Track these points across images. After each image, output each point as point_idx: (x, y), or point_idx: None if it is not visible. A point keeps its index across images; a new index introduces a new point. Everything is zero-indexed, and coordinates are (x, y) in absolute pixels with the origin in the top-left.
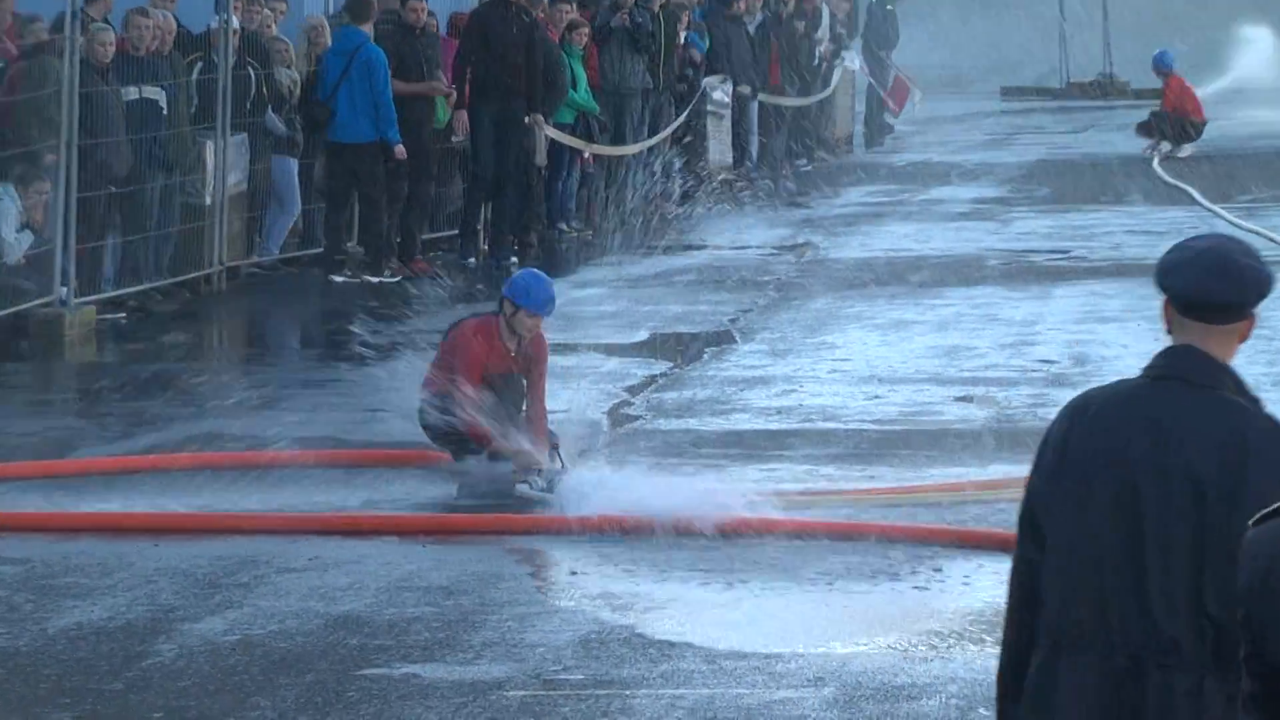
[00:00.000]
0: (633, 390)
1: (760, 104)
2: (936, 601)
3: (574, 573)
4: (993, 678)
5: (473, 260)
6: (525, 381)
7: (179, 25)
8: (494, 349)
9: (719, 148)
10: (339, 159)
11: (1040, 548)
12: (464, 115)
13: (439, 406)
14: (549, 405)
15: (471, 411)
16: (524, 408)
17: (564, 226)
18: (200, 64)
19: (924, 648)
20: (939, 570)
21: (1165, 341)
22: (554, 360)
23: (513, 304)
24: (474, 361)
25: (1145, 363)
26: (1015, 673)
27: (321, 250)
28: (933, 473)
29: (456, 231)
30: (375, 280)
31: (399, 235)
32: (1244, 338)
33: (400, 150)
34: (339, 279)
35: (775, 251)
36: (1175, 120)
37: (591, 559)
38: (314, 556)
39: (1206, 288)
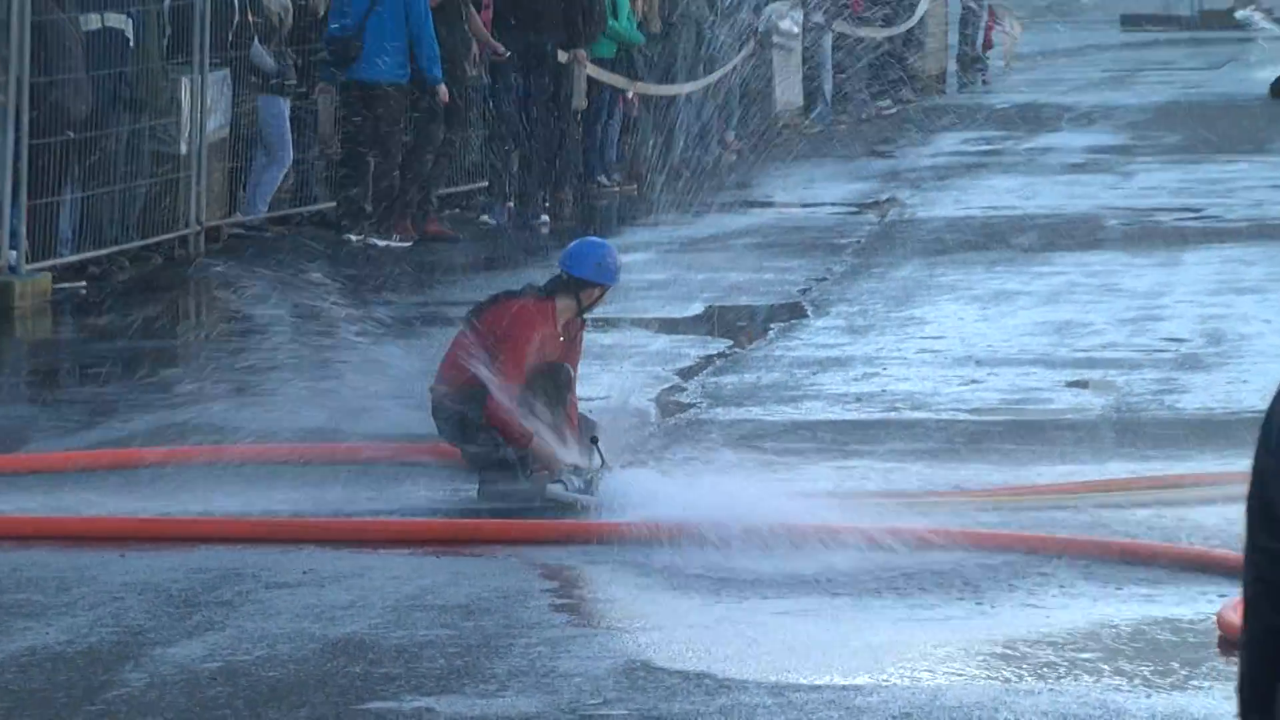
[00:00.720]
0: (685, 374)
1: (836, 35)
2: (1045, 621)
3: (614, 587)
4: (1110, 711)
5: (488, 218)
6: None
7: None
8: (549, 335)
9: (787, 86)
10: (361, 101)
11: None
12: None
13: (469, 395)
14: (584, 391)
15: (511, 407)
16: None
17: (604, 180)
18: None
19: (1030, 678)
20: (1047, 584)
21: None
22: (593, 338)
23: (601, 287)
24: (527, 350)
25: None
26: (1263, 683)
27: (320, 208)
28: (1039, 470)
29: (470, 186)
30: (382, 244)
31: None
32: None
33: (444, 92)
34: (355, 238)
35: (854, 210)
36: None
37: (634, 574)
38: (309, 569)
39: None
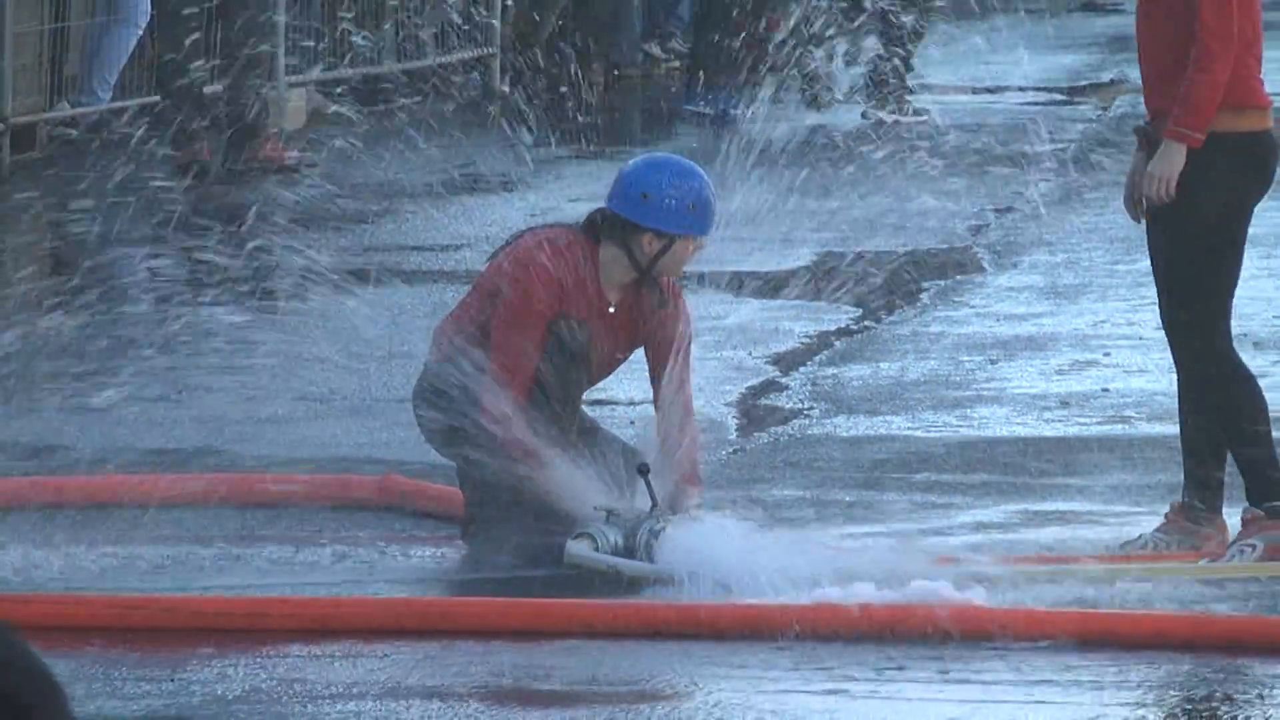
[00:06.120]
0: (785, 362)
1: None
2: None
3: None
4: None
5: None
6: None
7: None
8: (577, 296)
9: None
10: None
11: None
12: None
13: (459, 386)
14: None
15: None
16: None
17: (654, 49)
18: None
19: None
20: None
21: None
22: None
23: (654, 234)
24: (528, 307)
25: None
26: None
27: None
28: None
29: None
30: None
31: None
32: None
33: None
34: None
35: (1059, 96)
36: None
37: (726, 688)
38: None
39: None
